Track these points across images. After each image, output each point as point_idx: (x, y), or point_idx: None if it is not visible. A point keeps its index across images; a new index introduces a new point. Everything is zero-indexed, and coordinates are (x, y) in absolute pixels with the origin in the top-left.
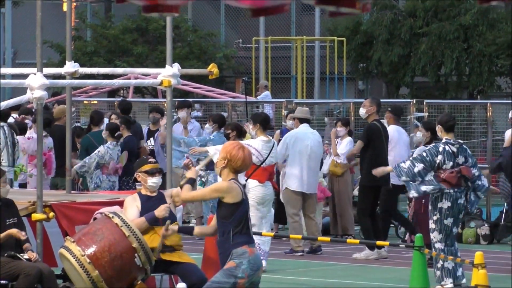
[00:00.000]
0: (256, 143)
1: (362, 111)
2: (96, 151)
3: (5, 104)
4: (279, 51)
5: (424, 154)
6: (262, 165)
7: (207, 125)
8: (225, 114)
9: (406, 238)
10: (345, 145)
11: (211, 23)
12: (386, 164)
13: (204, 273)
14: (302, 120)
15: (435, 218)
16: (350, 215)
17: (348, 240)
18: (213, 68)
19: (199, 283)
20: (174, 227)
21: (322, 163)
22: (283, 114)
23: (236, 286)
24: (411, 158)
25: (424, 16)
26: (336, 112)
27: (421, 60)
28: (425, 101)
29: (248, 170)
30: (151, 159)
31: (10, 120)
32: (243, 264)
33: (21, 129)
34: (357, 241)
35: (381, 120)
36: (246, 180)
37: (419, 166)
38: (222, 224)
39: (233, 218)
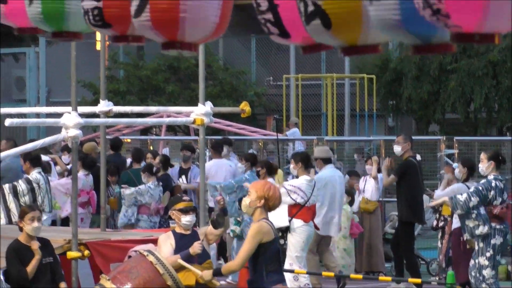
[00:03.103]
0: (299, 182)
1: (397, 149)
2: (137, 188)
3: (40, 143)
4: (310, 88)
5: (480, 188)
6: (306, 205)
7: (239, 164)
8: (255, 152)
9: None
10: (373, 183)
11: (242, 61)
12: (422, 200)
13: None
14: (325, 160)
15: (488, 254)
16: (381, 252)
17: (380, 277)
18: (245, 107)
19: None
20: (208, 274)
21: (353, 200)
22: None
23: None
24: (469, 191)
25: (453, 52)
26: (366, 150)
27: (450, 97)
28: (455, 138)
29: (293, 209)
30: (185, 197)
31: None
32: None
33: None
34: (389, 278)
35: (416, 157)
36: (290, 220)
37: (474, 200)
38: (255, 263)
39: (266, 256)
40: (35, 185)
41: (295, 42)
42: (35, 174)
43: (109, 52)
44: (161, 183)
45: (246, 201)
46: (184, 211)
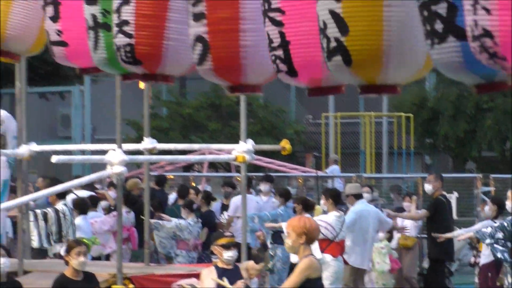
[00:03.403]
0: (329, 218)
1: (428, 187)
2: (178, 221)
3: (87, 179)
4: (348, 126)
5: (505, 224)
6: (335, 240)
7: (273, 199)
8: (294, 190)
9: None
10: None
11: (282, 99)
12: (451, 238)
13: None
14: (356, 196)
15: None
16: (415, 285)
17: None
18: (286, 144)
19: None
20: None
21: (392, 236)
22: None
23: None
24: (494, 226)
25: None
26: (404, 187)
27: (486, 135)
28: (491, 175)
29: (322, 244)
30: (228, 233)
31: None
32: None
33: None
34: None
35: (445, 195)
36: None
37: (499, 235)
38: None
39: None
40: (61, 215)
41: (302, 82)
42: (60, 206)
43: (152, 90)
44: (200, 220)
45: (288, 242)
46: (226, 247)
